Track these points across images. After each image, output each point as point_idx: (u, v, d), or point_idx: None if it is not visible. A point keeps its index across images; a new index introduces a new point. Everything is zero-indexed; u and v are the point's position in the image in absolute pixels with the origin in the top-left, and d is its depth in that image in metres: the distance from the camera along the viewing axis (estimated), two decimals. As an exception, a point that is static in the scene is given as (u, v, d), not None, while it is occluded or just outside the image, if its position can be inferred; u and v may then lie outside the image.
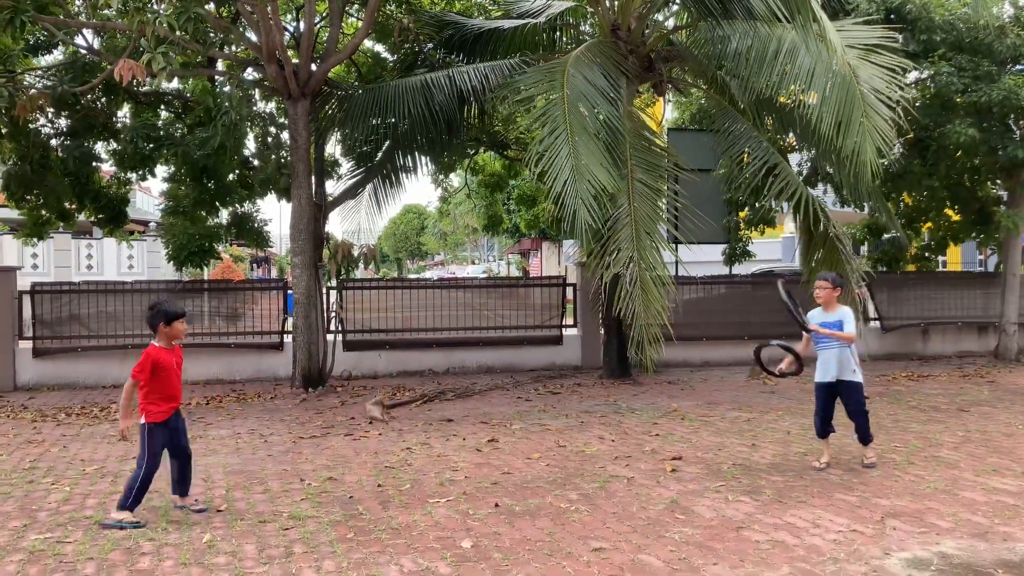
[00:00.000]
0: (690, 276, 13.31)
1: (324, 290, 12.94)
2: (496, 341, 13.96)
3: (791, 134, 13.75)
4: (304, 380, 11.73)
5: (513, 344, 14.00)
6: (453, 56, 13.86)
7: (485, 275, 41.47)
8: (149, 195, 38.48)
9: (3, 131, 12.40)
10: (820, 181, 14.77)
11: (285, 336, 13.18)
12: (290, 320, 13.14)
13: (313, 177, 12.68)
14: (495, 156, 17.57)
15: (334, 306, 13.19)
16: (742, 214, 15.43)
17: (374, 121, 12.55)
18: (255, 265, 50.62)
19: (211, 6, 11.49)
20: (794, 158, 14.85)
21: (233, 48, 13.77)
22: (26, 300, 12.64)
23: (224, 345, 13.13)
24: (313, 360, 11.89)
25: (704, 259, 13.82)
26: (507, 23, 13.26)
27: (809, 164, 15.03)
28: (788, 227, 26.06)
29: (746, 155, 11.97)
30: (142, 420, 5.61)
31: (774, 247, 29.03)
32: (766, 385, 11.73)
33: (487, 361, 13.85)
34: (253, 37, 11.79)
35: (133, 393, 5.67)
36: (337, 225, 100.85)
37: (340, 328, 13.23)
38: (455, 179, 21.81)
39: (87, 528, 5.43)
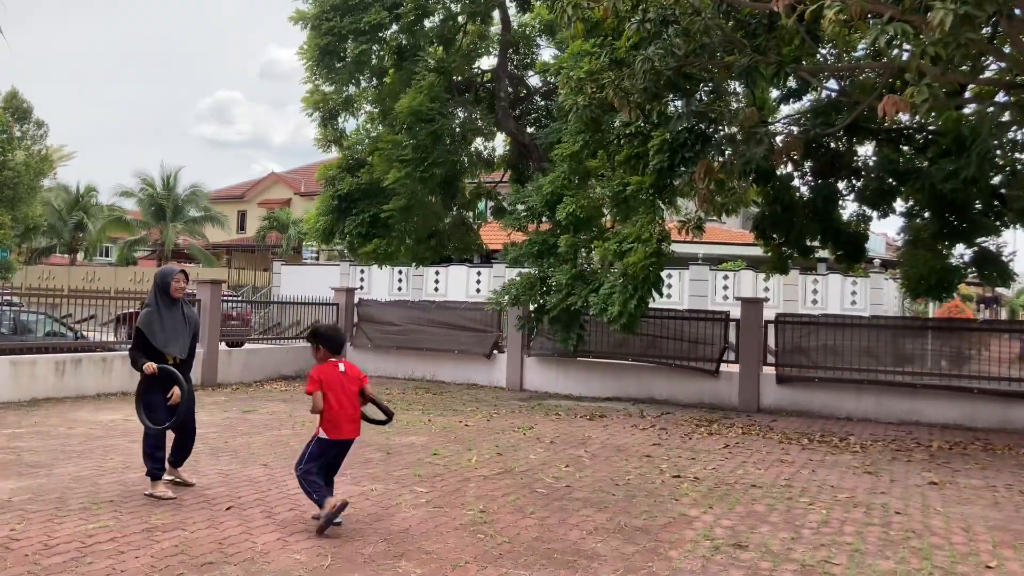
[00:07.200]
0: None
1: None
2: None
3: None
4: (1066, 438, 10.22)
5: None
6: None
7: None
8: (872, 233, 38.48)
9: (753, 176, 13.64)
10: None
11: (1036, 386, 11.77)
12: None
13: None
14: None
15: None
16: None
17: None
18: (981, 305, 46.57)
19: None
20: None
21: (986, 72, 12.84)
22: (770, 329, 13.74)
23: (964, 389, 12.25)
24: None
25: None
26: None
27: None
28: None
29: None
30: None
31: None
32: None
33: None
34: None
35: None
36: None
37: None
38: None
39: (850, 554, 5.51)
